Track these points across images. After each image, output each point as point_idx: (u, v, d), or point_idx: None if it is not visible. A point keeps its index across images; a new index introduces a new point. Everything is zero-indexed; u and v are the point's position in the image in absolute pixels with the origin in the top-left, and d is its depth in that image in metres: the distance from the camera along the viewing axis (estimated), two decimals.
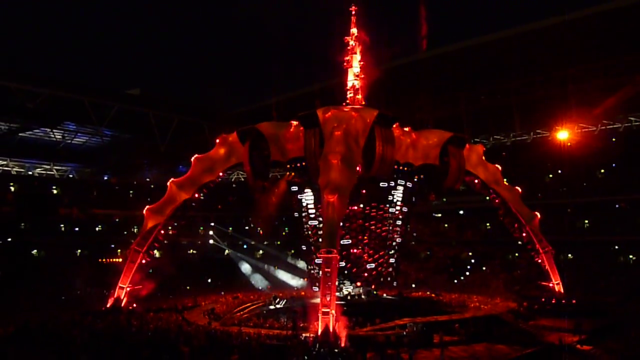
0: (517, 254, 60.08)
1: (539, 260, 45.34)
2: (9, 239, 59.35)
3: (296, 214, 45.90)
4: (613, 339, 31.24)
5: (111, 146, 74.09)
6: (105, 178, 77.20)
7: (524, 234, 45.44)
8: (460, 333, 32.96)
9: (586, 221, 60.52)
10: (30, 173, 72.18)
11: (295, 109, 40.00)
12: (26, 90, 60.12)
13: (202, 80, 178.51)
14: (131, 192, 73.72)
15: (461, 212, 68.98)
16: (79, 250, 64.81)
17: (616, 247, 57.17)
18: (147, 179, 75.51)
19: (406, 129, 40.70)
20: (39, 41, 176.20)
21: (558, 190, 62.39)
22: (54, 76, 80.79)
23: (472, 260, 64.15)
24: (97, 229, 68.67)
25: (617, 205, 58.95)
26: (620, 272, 53.32)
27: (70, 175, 75.95)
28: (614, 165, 60.11)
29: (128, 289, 41.30)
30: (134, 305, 41.61)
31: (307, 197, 44.57)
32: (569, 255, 58.06)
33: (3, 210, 61.29)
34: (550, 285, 44.69)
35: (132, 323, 34.48)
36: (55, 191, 69.39)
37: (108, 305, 40.66)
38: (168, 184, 42.62)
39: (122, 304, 40.68)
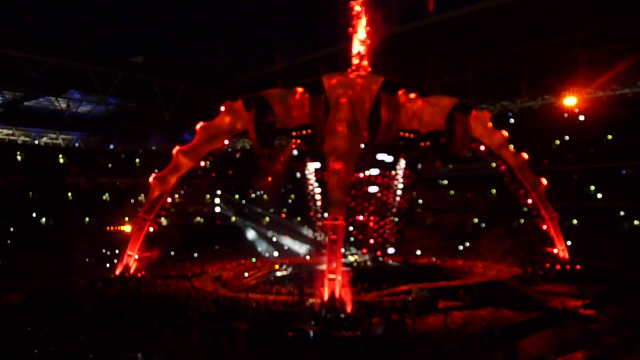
0: (522, 221, 60.18)
1: (544, 227, 45.44)
2: (18, 208, 59.87)
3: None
4: (616, 304, 31.50)
5: (116, 114, 74.08)
6: (111, 146, 77.42)
7: (529, 201, 45.41)
8: (465, 299, 33.35)
9: (592, 187, 60.35)
10: (36, 142, 72.44)
11: (300, 76, 39.64)
12: (30, 58, 59.80)
13: (206, 48, 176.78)
14: (137, 160, 74.01)
15: (467, 178, 68.80)
16: (87, 219, 65.43)
17: (622, 213, 57.14)
18: (153, 147, 75.67)
19: (412, 95, 40.34)
20: (42, 9, 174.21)
21: (564, 156, 62.08)
22: (57, 44, 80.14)
23: (478, 227, 64.33)
24: (103, 197, 69.18)
25: (623, 172, 58.69)
26: (624, 238, 53.40)
27: (76, 144, 76.24)
28: (621, 131, 59.57)
29: (136, 256, 41.78)
30: (143, 272, 42.12)
31: (312, 166, 44.62)
32: (574, 221, 58.13)
33: (11, 179, 61.74)
34: (555, 251, 44.89)
35: (141, 290, 34.98)
36: (61, 160, 69.75)
37: (117, 272, 41.19)
38: (174, 152, 42.63)
39: (131, 271, 41.22)
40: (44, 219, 63.63)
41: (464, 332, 25.87)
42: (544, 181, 45.37)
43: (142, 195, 61.55)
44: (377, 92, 36.23)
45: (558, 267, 43.28)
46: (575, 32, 55.93)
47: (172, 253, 55.25)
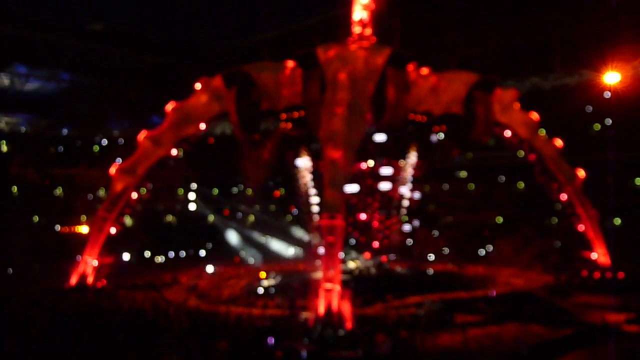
0: (555, 220, 60.49)
1: (581, 227, 45.69)
2: None
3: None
4: None
5: (70, 93, 73.66)
6: (65, 131, 77.07)
7: (563, 196, 45.66)
8: (487, 312, 33.56)
9: (638, 180, 60.65)
10: None
11: (291, 47, 39.61)
12: None
13: (179, 13, 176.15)
14: (96, 147, 73.78)
15: (490, 170, 69.03)
16: (35, 217, 65.24)
17: None
18: (115, 132, 75.41)
19: (424, 70, 40.36)
20: None
21: (606, 143, 62.25)
22: None
23: (502, 227, 64.61)
24: (55, 191, 68.94)
25: None
26: None
27: (22, 129, 75.82)
28: None
29: (95, 262, 41.76)
30: (103, 281, 42.13)
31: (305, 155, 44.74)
32: (617, 220, 58.39)
33: None
34: (594, 256, 45.15)
35: (101, 302, 35.01)
36: (4, 148, 69.39)
37: (72, 282, 41.18)
38: (140, 138, 42.59)
39: (89, 280, 41.21)
40: None
41: (485, 352, 26.06)
42: (581, 173, 45.57)
43: (103, 189, 61.48)
44: (383, 66, 36.28)
45: (597, 274, 43.55)
46: None
47: (138, 259, 55.31)
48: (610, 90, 59.71)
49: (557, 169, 44.83)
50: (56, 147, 72.85)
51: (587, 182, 46.29)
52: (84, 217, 59.78)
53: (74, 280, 41.35)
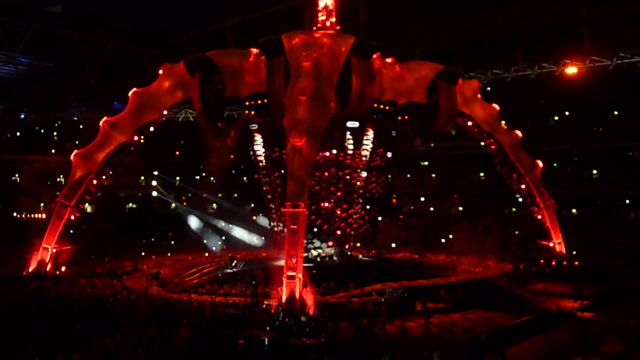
0: (514, 209, 61.43)
1: (539, 216, 46.51)
2: None
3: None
4: (618, 306, 32.61)
5: (28, 77, 72.03)
6: (22, 116, 75.45)
7: (522, 186, 46.36)
8: (447, 299, 34.03)
9: (594, 171, 61.83)
10: None
11: (255, 34, 39.33)
12: None
13: None
14: (55, 133, 72.42)
15: (451, 159, 69.68)
16: None
17: (627, 201, 58.73)
18: (75, 118, 74.12)
19: (388, 60, 40.52)
20: None
21: (564, 135, 63.29)
22: None
23: (463, 216, 65.40)
24: (12, 178, 67.62)
25: (630, 153, 60.05)
26: (630, 230, 54.86)
27: None
28: (629, 107, 60.68)
29: (54, 250, 41.07)
30: (62, 269, 41.49)
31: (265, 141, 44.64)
32: (573, 210, 59.58)
33: None
34: (551, 244, 46.02)
35: (60, 291, 34.49)
36: None
37: (30, 270, 40.45)
38: (100, 123, 41.88)
39: (47, 269, 40.54)
40: None
41: (445, 338, 26.42)
42: (540, 163, 46.28)
43: (62, 176, 60.40)
44: (348, 55, 36.25)
45: (554, 263, 44.47)
46: None
47: (98, 247, 54.60)
48: (569, 83, 60.78)
49: (517, 159, 45.43)
50: (13, 133, 71.31)
51: (545, 173, 47.08)
52: (42, 204, 58.57)
53: (32, 268, 40.59)
